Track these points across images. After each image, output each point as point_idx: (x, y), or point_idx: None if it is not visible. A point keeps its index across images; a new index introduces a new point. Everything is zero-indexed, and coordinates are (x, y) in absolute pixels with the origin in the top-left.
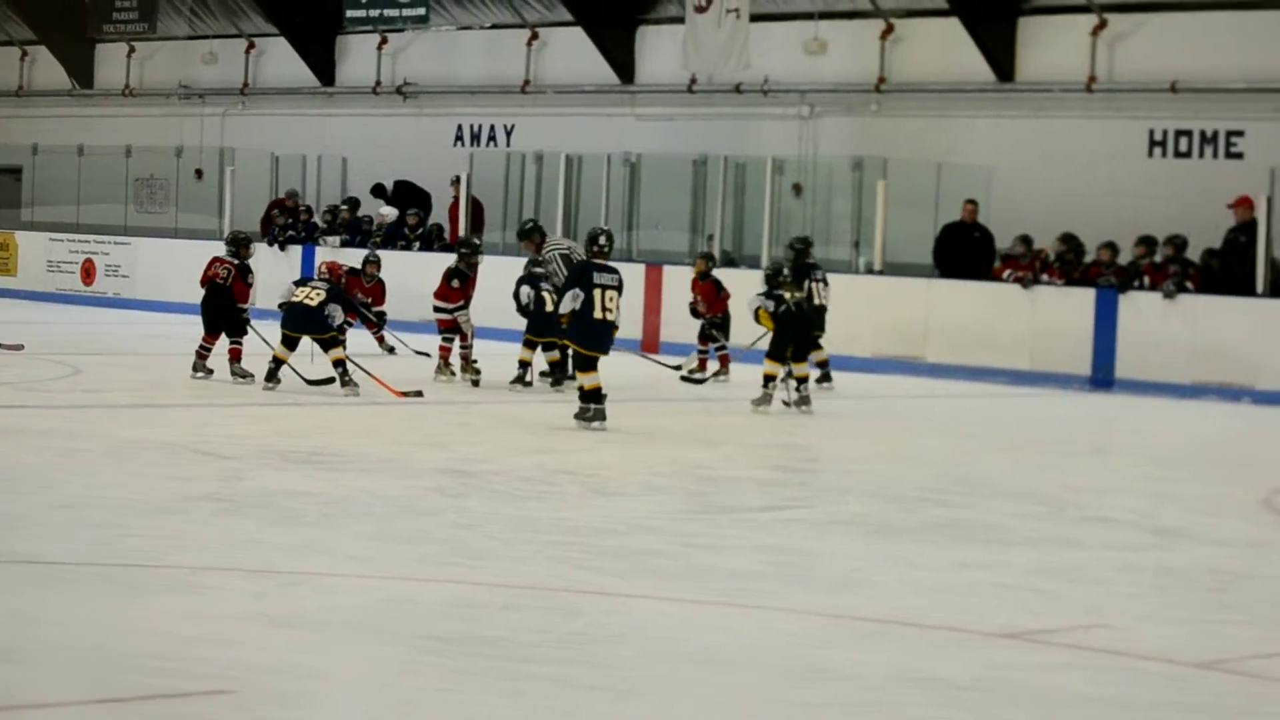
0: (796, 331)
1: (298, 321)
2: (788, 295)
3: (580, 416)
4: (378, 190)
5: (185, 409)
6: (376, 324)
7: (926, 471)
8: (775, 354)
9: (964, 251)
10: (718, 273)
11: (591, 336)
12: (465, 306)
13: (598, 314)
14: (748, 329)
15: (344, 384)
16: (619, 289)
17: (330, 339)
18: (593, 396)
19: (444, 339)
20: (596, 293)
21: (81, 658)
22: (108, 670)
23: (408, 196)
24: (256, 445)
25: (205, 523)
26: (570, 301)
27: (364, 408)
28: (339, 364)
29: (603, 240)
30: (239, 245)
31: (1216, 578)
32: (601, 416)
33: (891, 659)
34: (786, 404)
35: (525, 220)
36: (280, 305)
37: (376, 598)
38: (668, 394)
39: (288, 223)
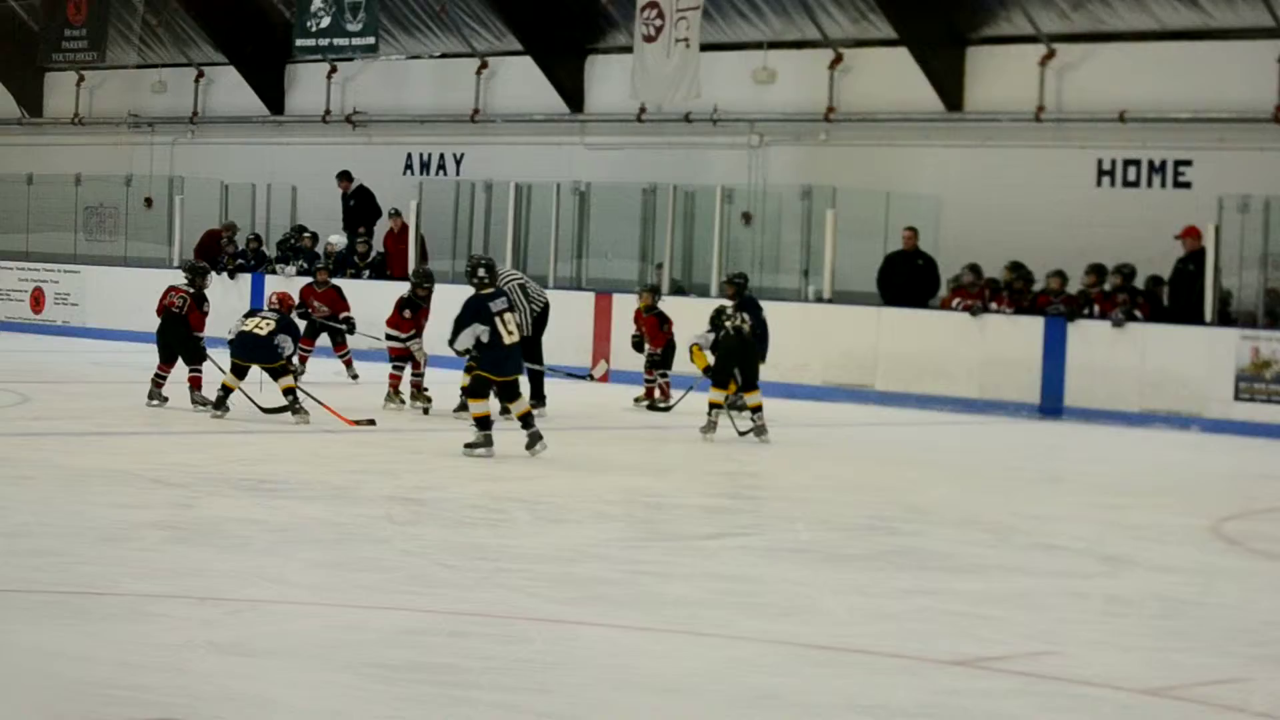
0: (736, 357)
1: (247, 350)
2: (726, 322)
3: (471, 445)
4: (343, 175)
5: (135, 437)
6: (348, 329)
7: (875, 499)
8: (718, 381)
9: (907, 279)
10: (666, 301)
11: (506, 362)
12: (418, 335)
13: (506, 340)
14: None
15: (294, 412)
16: (512, 309)
17: (279, 368)
18: (483, 424)
19: (394, 367)
20: (496, 321)
21: (30, 685)
22: (56, 697)
23: (366, 204)
24: (206, 473)
25: (154, 550)
26: (469, 337)
27: (314, 435)
28: (289, 392)
29: (481, 272)
30: (195, 274)
31: (1164, 605)
32: (489, 443)
33: (840, 686)
34: (741, 434)
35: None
36: (229, 340)
37: (325, 625)
38: (616, 422)
39: (237, 251)
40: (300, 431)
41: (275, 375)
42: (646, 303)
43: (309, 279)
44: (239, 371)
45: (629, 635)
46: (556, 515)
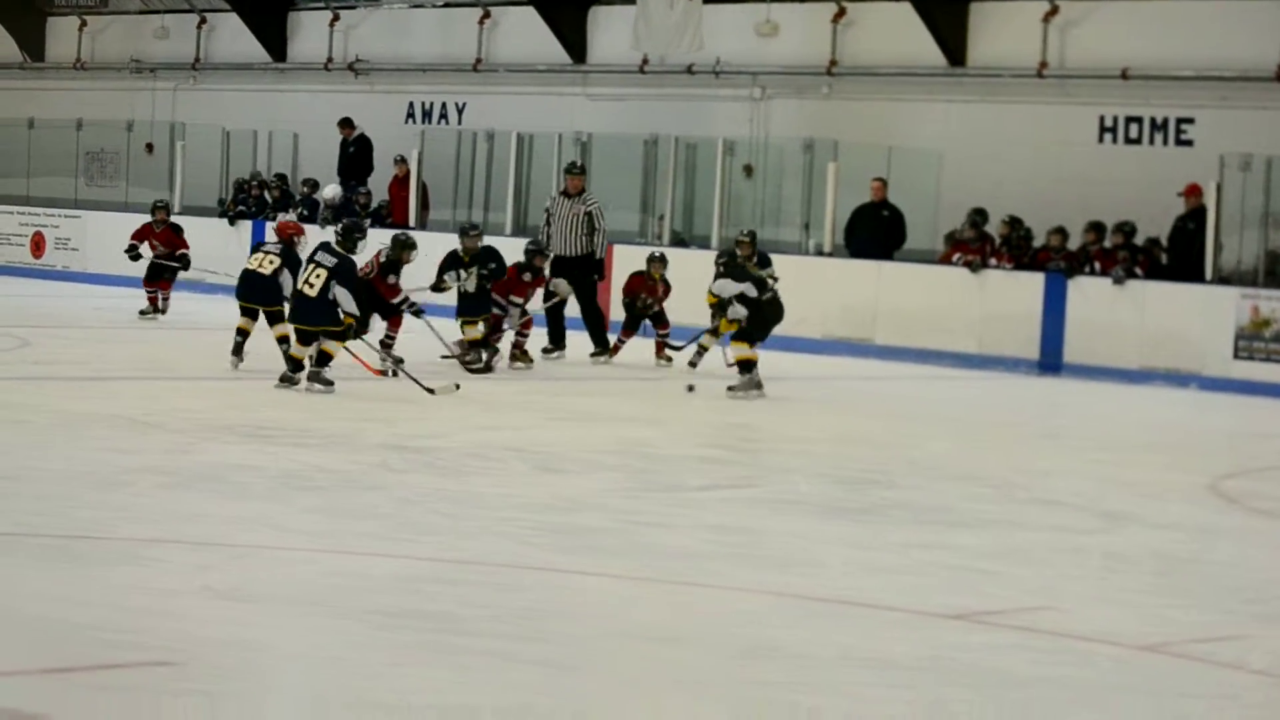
0: (775, 320)
1: (248, 289)
2: (773, 283)
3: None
4: (345, 121)
5: (134, 382)
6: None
7: (874, 453)
8: (751, 338)
9: (874, 231)
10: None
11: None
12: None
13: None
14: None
15: (290, 370)
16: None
17: (277, 312)
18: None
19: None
20: None
21: (26, 627)
22: (52, 640)
23: (365, 154)
24: (204, 419)
25: (152, 495)
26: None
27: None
28: (284, 340)
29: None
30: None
31: (1162, 562)
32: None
33: (838, 639)
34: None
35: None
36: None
37: (322, 571)
38: (613, 374)
39: (238, 198)
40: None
41: (272, 320)
42: (659, 273)
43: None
44: (248, 314)
45: (625, 585)
46: (554, 465)
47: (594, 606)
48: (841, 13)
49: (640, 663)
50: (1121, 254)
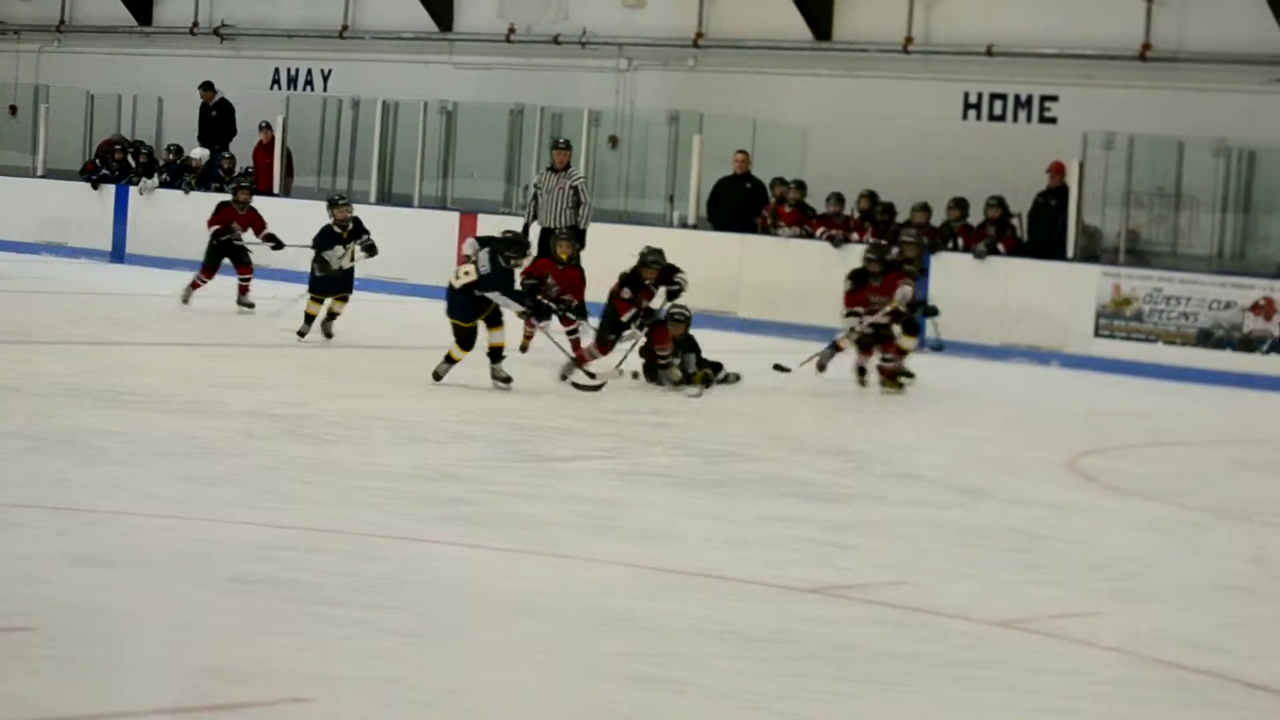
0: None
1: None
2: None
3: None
4: (206, 85)
5: None
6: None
7: (735, 425)
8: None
9: (736, 203)
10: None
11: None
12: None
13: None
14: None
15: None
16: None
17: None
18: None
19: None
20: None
21: None
22: None
23: (227, 118)
24: (65, 383)
25: (11, 460)
26: None
27: (174, 349)
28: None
29: None
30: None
31: (1018, 538)
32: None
33: (694, 610)
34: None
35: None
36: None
37: (181, 538)
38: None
39: (99, 162)
40: (162, 344)
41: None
42: (567, 254)
43: (173, 191)
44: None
45: (485, 555)
46: (417, 434)
47: (454, 576)
48: None
49: (499, 632)
50: (990, 229)
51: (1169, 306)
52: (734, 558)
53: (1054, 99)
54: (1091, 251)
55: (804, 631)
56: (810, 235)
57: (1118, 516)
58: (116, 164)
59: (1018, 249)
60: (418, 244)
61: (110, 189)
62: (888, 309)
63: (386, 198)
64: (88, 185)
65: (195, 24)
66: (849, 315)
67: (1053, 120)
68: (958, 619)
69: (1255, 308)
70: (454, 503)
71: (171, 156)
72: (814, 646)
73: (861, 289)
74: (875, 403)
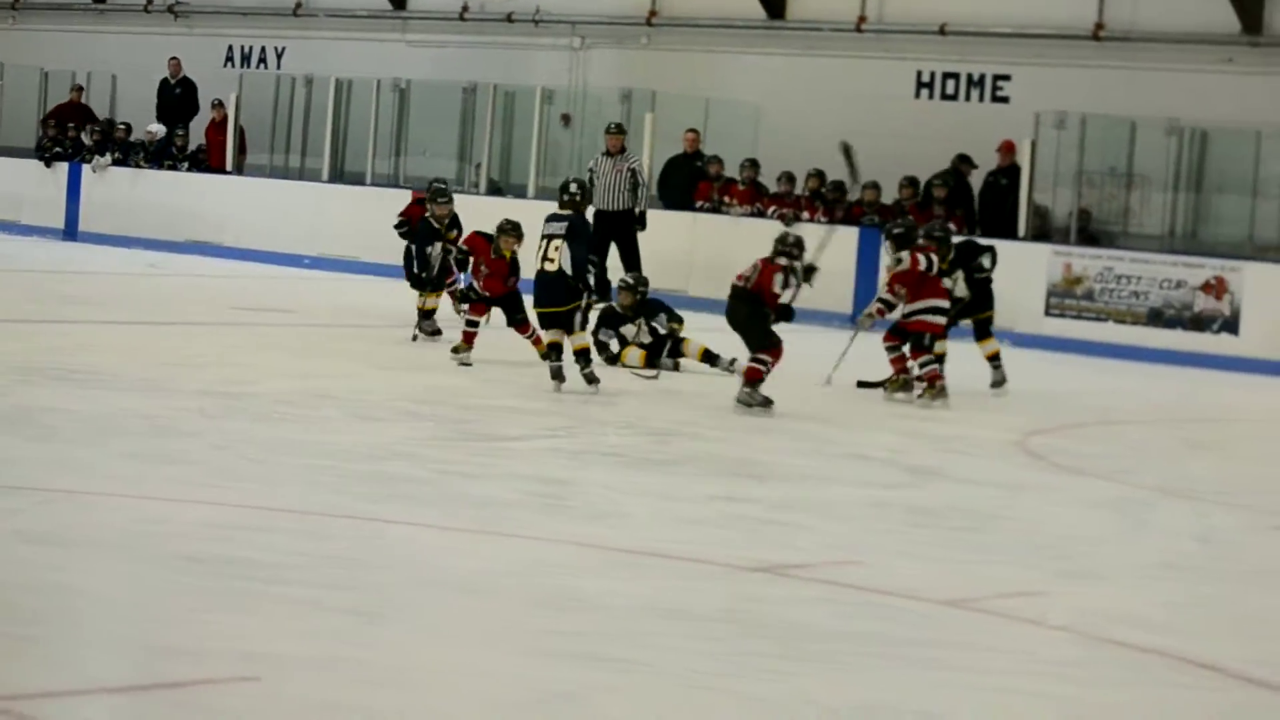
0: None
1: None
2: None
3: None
4: (173, 59)
5: None
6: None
7: (683, 404)
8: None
9: (686, 181)
10: (482, 202)
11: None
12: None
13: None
14: None
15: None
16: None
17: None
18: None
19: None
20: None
21: None
22: None
23: (190, 96)
24: (17, 362)
25: None
26: None
27: (127, 327)
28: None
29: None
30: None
31: (967, 517)
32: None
33: (642, 590)
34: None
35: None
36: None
37: (132, 517)
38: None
39: (55, 138)
40: (114, 322)
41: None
42: (510, 249)
43: (125, 169)
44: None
45: (434, 534)
46: (367, 413)
47: (402, 555)
48: None
49: (447, 611)
50: (936, 209)
51: (1120, 286)
52: (682, 537)
53: (1006, 78)
54: (1043, 230)
55: (752, 610)
56: (762, 214)
57: (1067, 495)
58: (70, 141)
59: (970, 227)
60: (371, 222)
61: (63, 166)
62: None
63: (339, 176)
64: (40, 163)
65: (149, 1)
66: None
67: (1005, 99)
68: (907, 598)
69: (1206, 287)
70: (403, 481)
71: (123, 134)
72: (762, 626)
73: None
74: (820, 385)
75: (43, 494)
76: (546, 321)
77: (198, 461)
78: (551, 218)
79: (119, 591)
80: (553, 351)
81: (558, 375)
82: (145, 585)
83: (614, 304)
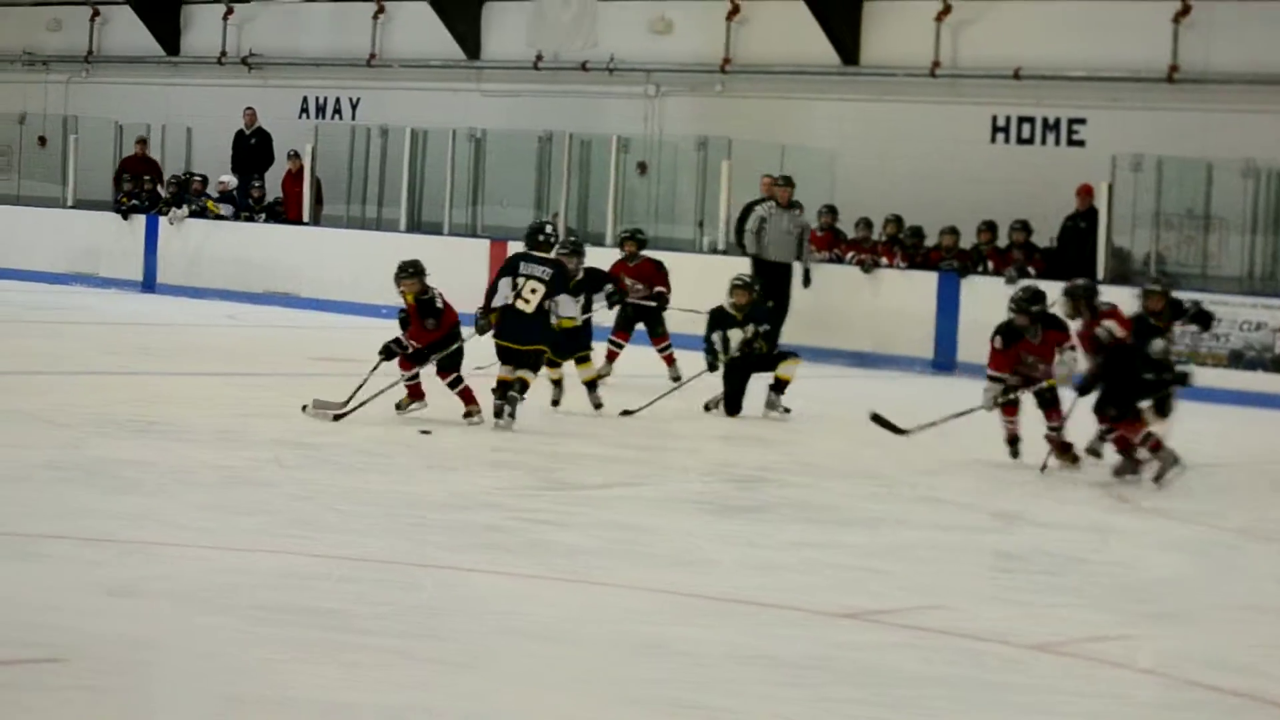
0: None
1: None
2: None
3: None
4: (248, 110)
5: (26, 377)
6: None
7: (765, 451)
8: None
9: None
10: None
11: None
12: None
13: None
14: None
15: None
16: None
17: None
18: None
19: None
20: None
21: None
22: None
23: (265, 146)
24: (94, 413)
25: (43, 490)
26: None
27: (204, 378)
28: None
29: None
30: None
31: (1053, 561)
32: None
33: (727, 636)
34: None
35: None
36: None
37: (212, 568)
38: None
39: (132, 191)
40: (187, 373)
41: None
42: (631, 250)
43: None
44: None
45: (519, 583)
46: (449, 462)
47: (487, 604)
48: (735, 10)
49: (531, 661)
50: (1015, 254)
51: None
52: (767, 583)
53: (1082, 121)
54: (1122, 273)
55: (839, 657)
56: (840, 260)
57: (1153, 539)
58: (146, 194)
59: (1048, 272)
60: (448, 272)
61: (140, 219)
62: (1044, 384)
63: (416, 226)
64: (118, 215)
65: (223, 53)
66: (993, 380)
67: (1081, 143)
68: (993, 642)
69: None
70: (487, 530)
71: (200, 186)
72: (849, 672)
73: (1014, 346)
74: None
75: (122, 545)
76: (504, 355)
77: (277, 512)
78: (529, 259)
79: (200, 643)
80: (500, 388)
81: (499, 414)
82: (224, 636)
83: (725, 305)
